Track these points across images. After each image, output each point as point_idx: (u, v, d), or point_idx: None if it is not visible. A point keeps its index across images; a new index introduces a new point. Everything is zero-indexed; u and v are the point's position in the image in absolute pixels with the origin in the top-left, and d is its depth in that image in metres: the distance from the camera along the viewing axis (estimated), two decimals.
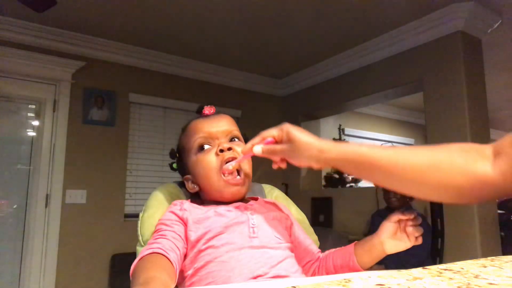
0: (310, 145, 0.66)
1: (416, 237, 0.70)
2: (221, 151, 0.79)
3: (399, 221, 0.72)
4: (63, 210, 2.70)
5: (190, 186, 0.87)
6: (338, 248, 0.81)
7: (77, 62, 2.85)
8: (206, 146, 0.82)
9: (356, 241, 0.78)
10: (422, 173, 0.57)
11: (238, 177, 0.80)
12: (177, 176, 0.94)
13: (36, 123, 2.78)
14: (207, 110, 0.88)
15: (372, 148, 0.62)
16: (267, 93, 3.92)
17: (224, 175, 0.79)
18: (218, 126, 0.84)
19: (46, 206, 2.67)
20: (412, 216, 0.70)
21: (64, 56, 2.80)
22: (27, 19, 2.58)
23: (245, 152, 0.76)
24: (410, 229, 0.70)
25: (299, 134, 0.68)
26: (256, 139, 0.74)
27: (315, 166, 0.67)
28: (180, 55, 3.25)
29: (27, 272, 2.57)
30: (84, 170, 2.82)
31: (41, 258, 2.61)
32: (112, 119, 2.97)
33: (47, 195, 2.68)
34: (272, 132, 0.72)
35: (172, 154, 0.92)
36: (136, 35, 2.87)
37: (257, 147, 0.72)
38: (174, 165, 0.93)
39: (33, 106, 2.80)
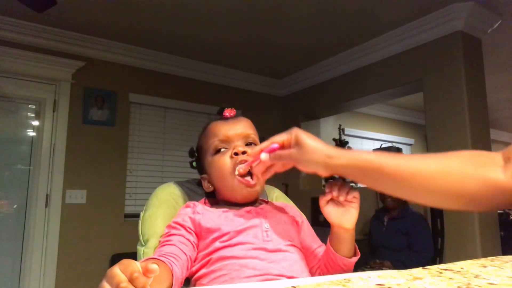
0: (318, 150, 0.65)
1: (354, 196, 0.70)
2: (236, 154, 0.81)
3: (330, 200, 0.72)
4: (63, 210, 2.70)
5: (206, 185, 0.89)
6: (325, 249, 0.81)
7: (77, 62, 2.85)
8: (222, 149, 0.84)
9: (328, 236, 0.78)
10: (433, 180, 0.57)
11: (250, 178, 0.80)
12: (178, 176, 0.95)
13: (36, 123, 2.78)
14: (228, 112, 0.89)
15: (381, 155, 0.62)
16: (267, 93, 3.92)
17: (238, 177, 0.80)
18: (235, 129, 0.85)
19: (46, 206, 2.67)
20: (334, 188, 0.70)
21: (64, 56, 2.80)
22: (27, 19, 2.58)
23: (252, 155, 0.77)
24: (342, 198, 0.70)
25: (308, 139, 0.66)
26: (265, 143, 0.72)
27: (322, 172, 0.65)
28: (180, 55, 3.25)
29: (27, 272, 2.57)
30: (84, 170, 2.82)
31: (41, 258, 2.61)
32: (112, 119, 2.97)
33: (47, 195, 2.68)
34: (282, 137, 0.70)
35: (191, 153, 0.95)
36: (136, 35, 2.87)
37: (264, 155, 0.71)
38: (194, 164, 0.95)
39: (33, 106, 2.80)
